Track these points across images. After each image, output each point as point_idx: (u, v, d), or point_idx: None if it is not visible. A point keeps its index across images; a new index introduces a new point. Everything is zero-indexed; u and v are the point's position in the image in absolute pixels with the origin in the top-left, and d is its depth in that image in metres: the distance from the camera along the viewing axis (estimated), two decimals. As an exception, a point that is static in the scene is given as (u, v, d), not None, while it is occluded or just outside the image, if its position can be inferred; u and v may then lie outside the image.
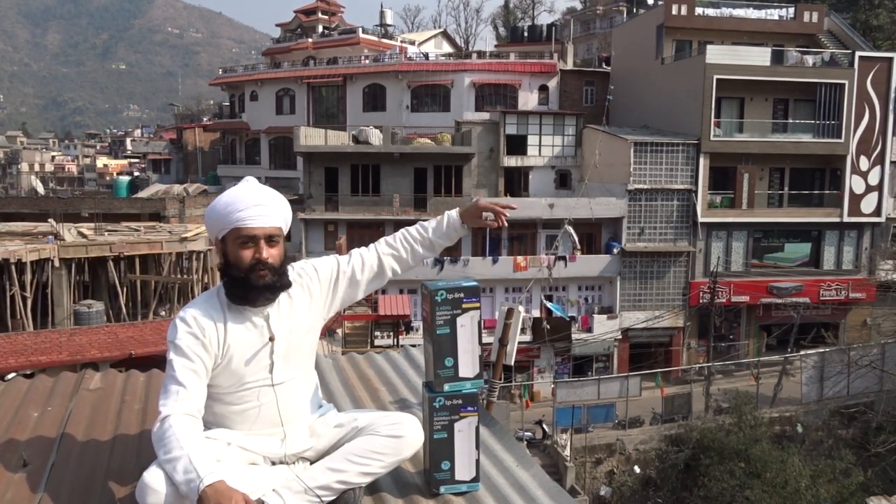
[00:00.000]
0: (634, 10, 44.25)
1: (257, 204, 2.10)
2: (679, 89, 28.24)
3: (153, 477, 1.87)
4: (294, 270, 2.26)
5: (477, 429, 2.21)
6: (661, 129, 28.94)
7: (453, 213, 2.36)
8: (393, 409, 2.83)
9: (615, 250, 27.11)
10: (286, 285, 2.17)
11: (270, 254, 2.10)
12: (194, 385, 2.03)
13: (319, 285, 2.27)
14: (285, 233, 2.20)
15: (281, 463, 2.16)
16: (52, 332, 15.16)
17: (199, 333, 2.08)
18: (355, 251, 2.37)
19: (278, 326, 2.16)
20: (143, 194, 37.07)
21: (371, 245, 2.37)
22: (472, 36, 63.42)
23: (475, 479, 2.23)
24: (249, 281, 2.08)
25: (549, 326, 25.20)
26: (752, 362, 25.55)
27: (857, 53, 27.62)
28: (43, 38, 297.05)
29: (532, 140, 30.49)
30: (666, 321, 27.08)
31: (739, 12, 30.20)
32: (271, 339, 2.14)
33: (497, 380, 5.64)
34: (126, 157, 76.94)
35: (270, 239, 2.11)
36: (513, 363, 5.83)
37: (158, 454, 1.92)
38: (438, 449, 2.19)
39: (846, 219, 27.91)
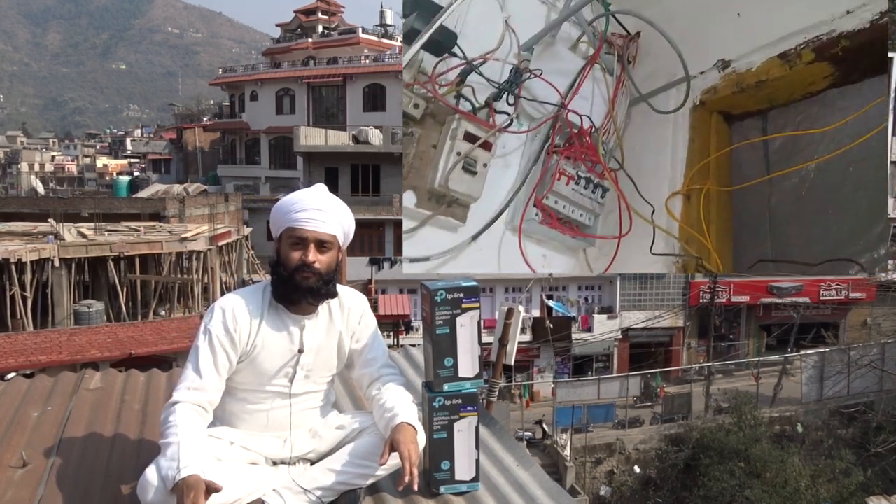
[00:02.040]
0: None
1: (315, 208, 2.11)
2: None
3: (155, 473, 1.88)
4: (349, 293, 2.28)
5: (477, 429, 2.22)
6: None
7: (388, 429, 2.10)
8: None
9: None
10: (331, 294, 2.17)
11: (319, 259, 2.10)
12: (211, 377, 2.05)
13: (348, 325, 2.26)
14: (343, 243, 2.20)
15: (282, 463, 2.17)
16: (52, 332, 15.18)
17: (232, 326, 2.09)
18: (382, 362, 2.30)
19: (310, 340, 2.17)
20: (143, 194, 37.02)
21: (375, 380, 2.27)
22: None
23: (475, 479, 2.23)
24: (294, 281, 2.09)
25: (552, 326, 25.19)
26: (752, 362, 25.56)
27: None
28: (43, 38, 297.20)
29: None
30: (666, 321, 27.08)
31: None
32: (300, 351, 2.14)
33: (497, 380, 5.64)
34: (126, 157, 76.96)
35: (322, 244, 2.11)
36: (513, 363, 5.83)
37: (162, 432, 1.98)
38: (438, 449, 2.19)
39: (846, 218, 27.89)
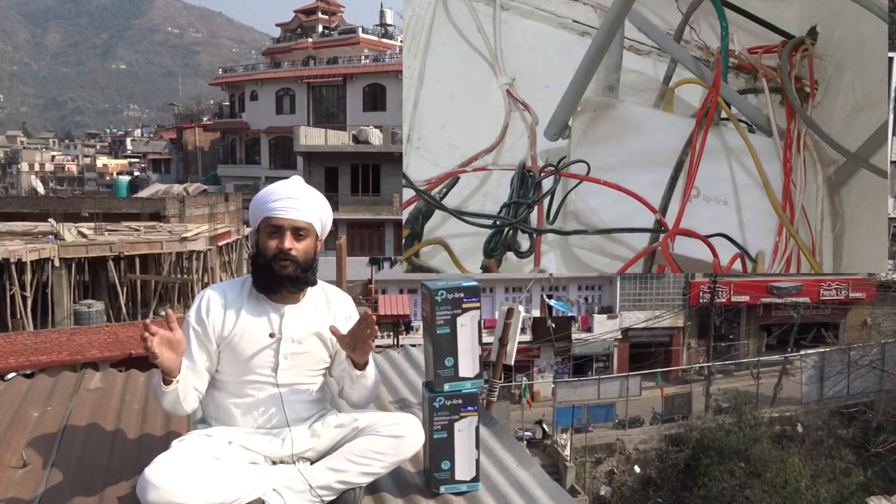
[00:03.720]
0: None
1: (290, 197, 2.17)
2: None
3: (154, 473, 1.88)
4: (336, 293, 2.33)
5: (477, 429, 2.22)
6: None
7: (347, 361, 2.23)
8: (393, 409, 2.83)
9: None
10: (311, 282, 2.22)
11: (295, 246, 2.15)
12: (186, 360, 2.11)
13: (335, 322, 2.26)
14: (321, 232, 2.24)
15: (281, 463, 2.17)
16: (52, 332, 15.14)
17: (205, 314, 2.17)
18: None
19: (290, 328, 2.19)
20: (143, 194, 37.04)
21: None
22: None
23: (475, 479, 2.23)
24: (272, 270, 2.14)
25: (554, 325, 25.15)
26: (752, 362, 25.55)
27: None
28: (43, 38, 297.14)
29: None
30: (666, 321, 27.07)
31: None
32: (271, 335, 2.16)
33: (497, 380, 5.63)
34: (126, 157, 76.92)
35: (298, 232, 2.16)
36: (513, 363, 5.82)
37: (154, 394, 2.14)
38: (438, 449, 2.19)
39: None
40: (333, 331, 2.15)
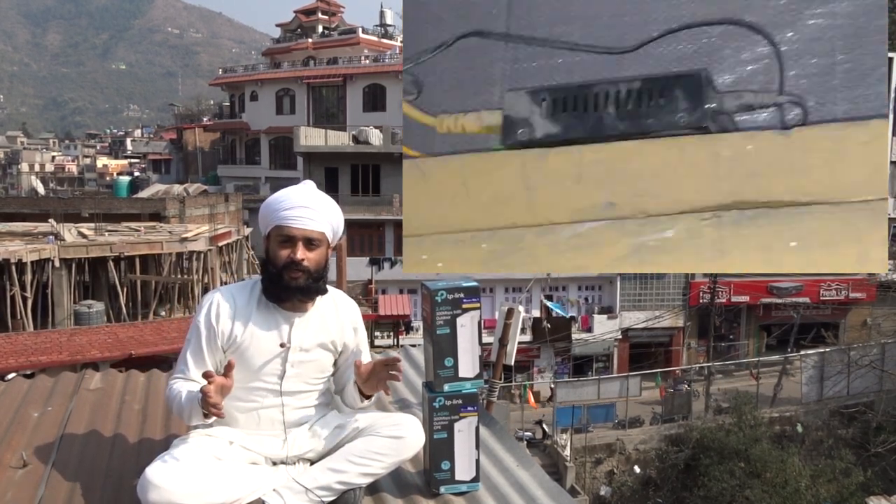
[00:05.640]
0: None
1: (303, 206, 2.12)
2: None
3: (155, 473, 1.88)
4: (345, 301, 2.31)
5: (477, 429, 2.21)
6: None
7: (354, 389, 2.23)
8: (393, 410, 2.83)
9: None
10: (321, 291, 2.19)
11: (307, 256, 2.11)
12: (197, 366, 2.14)
13: (343, 332, 2.27)
14: (332, 241, 2.21)
15: (282, 463, 2.16)
16: (52, 332, 15.16)
17: (215, 319, 2.14)
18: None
19: (298, 337, 2.17)
20: (143, 194, 37.04)
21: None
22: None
23: (475, 479, 2.23)
24: (282, 280, 2.11)
25: (549, 326, 25.19)
26: (752, 362, 25.56)
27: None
28: (43, 38, 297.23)
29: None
30: (666, 321, 27.08)
31: None
32: (282, 345, 2.15)
33: (497, 380, 5.63)
34: (126, 158, 76.91)
35: (310, 242, 2.12)
36: (513, 363, 5.82)
37: (171, 406, 2.14)
38: (438, 449, 2.19)
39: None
40: (358, 365, 2.14)
